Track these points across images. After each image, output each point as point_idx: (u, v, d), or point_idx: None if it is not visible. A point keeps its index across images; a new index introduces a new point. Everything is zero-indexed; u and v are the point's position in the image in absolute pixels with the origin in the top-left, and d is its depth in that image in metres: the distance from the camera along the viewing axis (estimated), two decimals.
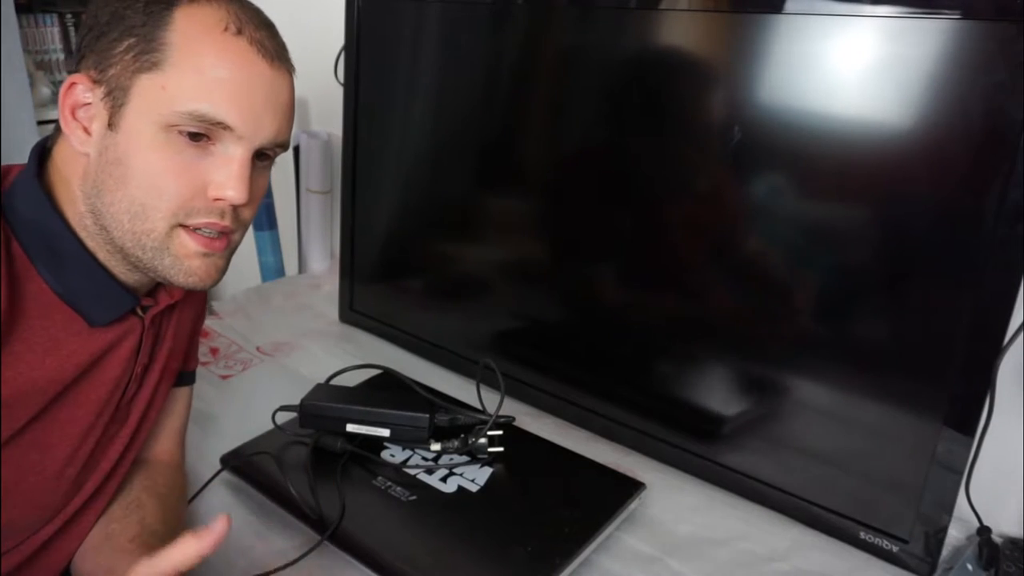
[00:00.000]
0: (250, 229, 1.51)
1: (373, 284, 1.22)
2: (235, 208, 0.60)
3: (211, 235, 0.60)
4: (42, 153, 0.62)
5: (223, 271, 0.64)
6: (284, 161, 1.50)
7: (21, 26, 1.82)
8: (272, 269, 1.54)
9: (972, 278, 0.68)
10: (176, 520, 0.73)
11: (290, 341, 1.19)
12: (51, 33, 2.08)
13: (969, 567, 0.75)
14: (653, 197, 0.88)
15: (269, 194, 1.51)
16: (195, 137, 0.57)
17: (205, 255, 0.60)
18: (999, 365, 0.68)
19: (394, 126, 1.13)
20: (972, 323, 0.68)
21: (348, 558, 0.72)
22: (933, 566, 0.74)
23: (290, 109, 0.63)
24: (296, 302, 1.35)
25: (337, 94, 1.17)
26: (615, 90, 0.88)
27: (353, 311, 1.24)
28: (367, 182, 1.17)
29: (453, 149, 1.07)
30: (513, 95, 0.99)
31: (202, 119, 0.56)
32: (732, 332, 0.85)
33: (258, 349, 1.16)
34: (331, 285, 1.31)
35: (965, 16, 0.65)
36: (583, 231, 0.94)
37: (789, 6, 0.73)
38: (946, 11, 0.65)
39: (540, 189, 1.00)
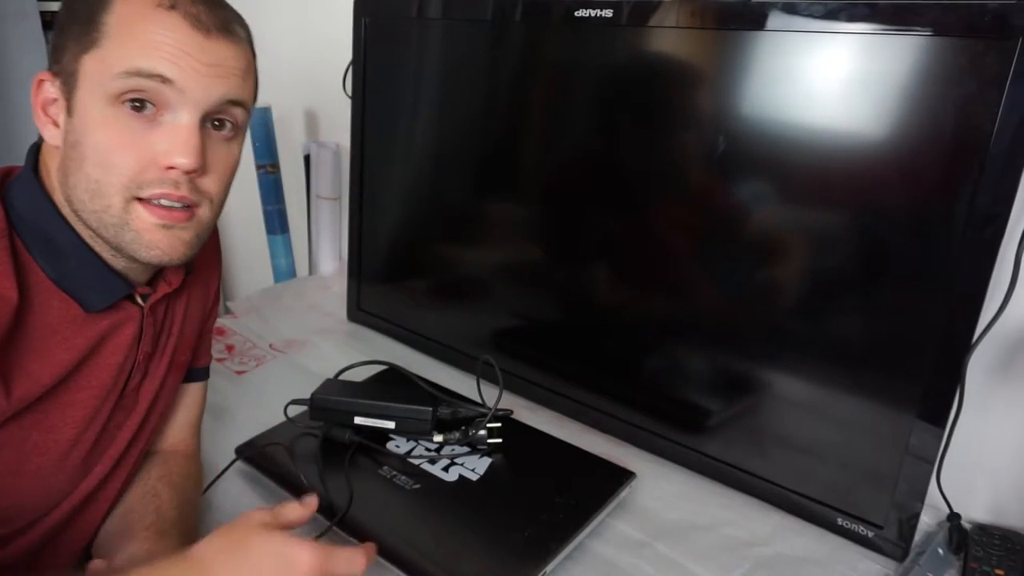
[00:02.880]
0: (264, 233, 1.53)
1: (379, 285, 1.22)
2: (193, 178, 0.57)
3: (170, 205, 0.57)
4: (36, 152, 0.62)
5: (192, 246, 0.60)
6: (296, 169, 1.50)
7: (48, 42, 1.82)
8: (284, 271, 1.54)
9: (944, 280, 0.67)
10: (191, 508, 0.72)
11: (301, 339, 1.18)
12: None
13: (940, 551, 0.75)
14: (642, 203, 0.88)
15: (281, 200, 1.51)
16: (140, 107, 0.55)
17: (165, 227, 0.57)
18: (968, 362, 0.68)
19: (399, 136, 1.13)
20: (943, 322, 0.68)
21: (356, 543, 0.71)
22: (906, 550, 0.74)
23: (241, 72, 0.59)
24: (307, 302, 1.35)
25: (345, 106, 1.17)
26: (607, 102, 0.88)
27: (360, 310, 1.24)
28: (374, 189, 1.17)
29: (454, 158, 1.07)
30: (511, 107, 0.99)
31: (138, 73, 0.54)
32: (717, 330, 0.85)
33: (271, 346, 1.16)
34: (340, 286, 1.31)
35: (937, 33, 0.65)
36: (577, 235, 0.94)
37: (770, 23, 0.73)
38: (919, 28, 0.65)
39: (536, 195, 0.99)
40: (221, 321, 1.22)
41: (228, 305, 1.33)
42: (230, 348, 1.15)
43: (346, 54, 1.13)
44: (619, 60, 0.87)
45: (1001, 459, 0.79)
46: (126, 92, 0.54)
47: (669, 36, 0.81)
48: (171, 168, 0.56)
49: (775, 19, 0.72)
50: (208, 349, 0.82)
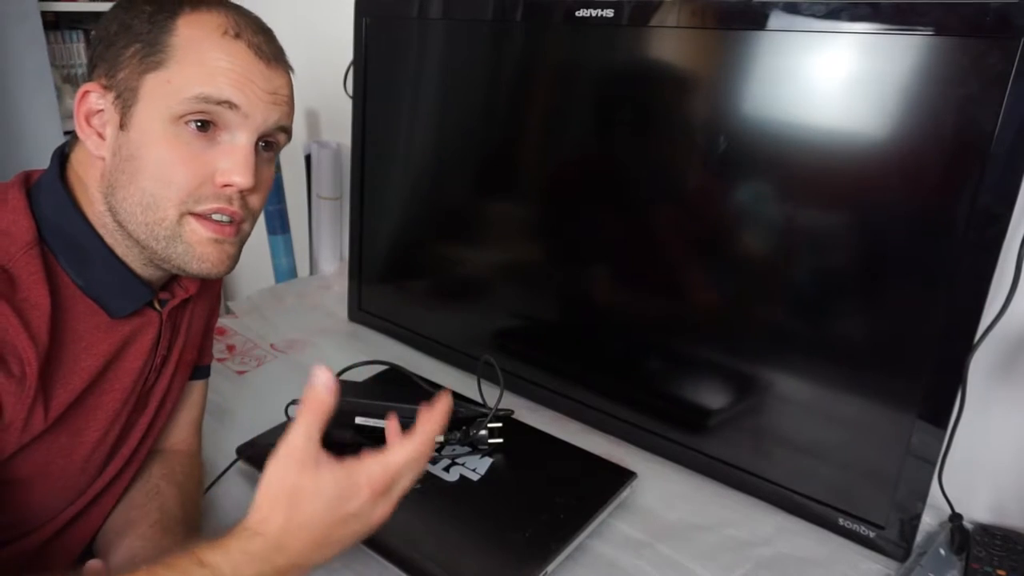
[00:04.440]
0: (264, 233, 1.53)
1: (380, 285, 1.22)
2: (243, 195, 0.60)
3: (221, 220, 0.59)
4: (61, 158, 0.62)
5: (235, 259, 0.63)
6: (296, 169, 1.50)
7: (49, 42, 1.82)
8: (285, 271, 1.54)
9: (945, 280, 0.67)
10: (193, 506, 0.73)
11: (302, 339, 1.18)
12: (77, 49, 2.07)
13: (942, 552, 0.75)
14: (643, 203, 0.87)
15: (282, 200, 1.51)
16: (202, 127, 0.57)
17: (217, 241, 0.60)
18: (970, 362, 0.68)
19: (400, 136, 1.13)
20: (945, 322, 0.68)
21: (364, 549, 0.71)
22: (908, 551, 0.74)
23: (291, 100, 0.62)
24: (308, 302, 1.35)
25: (346, 106, 1.17)
26: (608, 102, 0.88)
27: (361, 310, 1.24)
28: (374, 189, 1.17)
29: (455, 158, 1.07)
30: (511, 107, 0.99)
31: (207, 100, 0.56)
32: (719, 330, 0.85)
33: (272, 346, 1.16)
34: (340, 286, 1.31)
35: (938, 32, 0.64)
36: (578, 235, 0.94)
37: (772, 23, 0.73)
38: (920, 28, 0.65)
39: (537, 195, 0.99)
40: (222, 321, 1.22)
41: (229, 305, 1.33)
42: (231, 348, 1.15)
43: (347, 54, 1.13)
44: (620, 60, 0.86)
45: (1003, 459, 0.79)
46: (192, 114, 0.56)
47: (670, 36, 0.81)
48: (227, 186, 0.58)
49: (777, 19, 0.72)
50: (210, 348, 0.82)
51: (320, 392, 0.52)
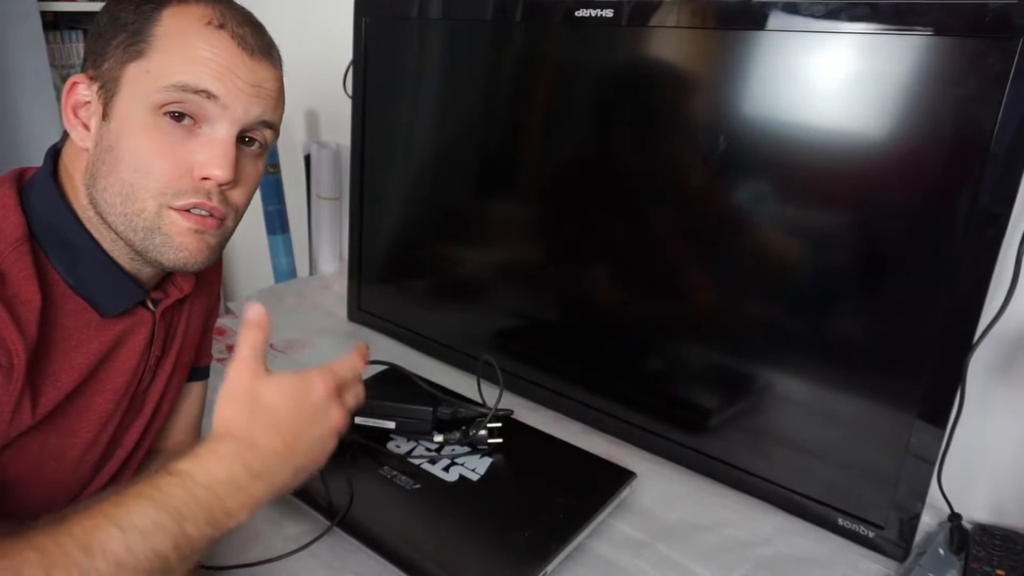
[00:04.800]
0: (264, 233, 1.53)
1: (380, 285, 1.22)
2: (224, 191, 0.59)
3: (201, 214, 0.58)
4: (54, 155, 0.62)
5: (215, 251, 0.61)
6: (296, 169, 1.50)
7: (48, 42, 1.82)
8: (285, 271, 1.54)
9: (945, 280, 0.67)
10: None
11: (302, 339, 1.18)
12: (76, 49, 2.07)
13: (941, 551, 0.75)
14: (642, 203, 0.88)
15: (282, 200, 1.51)
16: (181, 117, 0.56)
17: (197, 231, 0.59)
18: (969, 362, 0.68)
19: (399, 136, 1.13)
20: (944, 322, 0.68)
21: (356, 543, 0.71)
22: (907, 551, 0.74)
23: (276, 95, 0.61)
24: (307, 302, 1.35)
25: (345, 106, 1.17)
26: (607, 102, 0.88)
27: (361, 310, 1.24)
28: (374, 189, 1.17)
29: (454, 158, 1.07)
30: (511, 107, 0.99)
31: (184, 88, 0.55)
32: (718, 330, 0.85)
33: (272, 346, 1.16)
34: (340, 286, 1.31)
35: (937, 33, 0.65)
36: (578, 235, 0.94)
37: (771, 23, 0.73)
38: (919, 28, 0.65)
39: (536, 196, 0.99)
40: (221, 321, 1.22)
41: (228, 305, 1.33)
42: (231, 348, 1.14)
43: (346, 54, 1.13)
44: (619, 60, 0.86)
45: (1002, 459, 0.79)
46: (170, 103, 0.56)
47: (670, 36, 0.81)
48: (206, 179, 0.57)
49: (776, 19, 0.72)
50: (209, 349, 0.82)
51: (255, 317, 0.58)
